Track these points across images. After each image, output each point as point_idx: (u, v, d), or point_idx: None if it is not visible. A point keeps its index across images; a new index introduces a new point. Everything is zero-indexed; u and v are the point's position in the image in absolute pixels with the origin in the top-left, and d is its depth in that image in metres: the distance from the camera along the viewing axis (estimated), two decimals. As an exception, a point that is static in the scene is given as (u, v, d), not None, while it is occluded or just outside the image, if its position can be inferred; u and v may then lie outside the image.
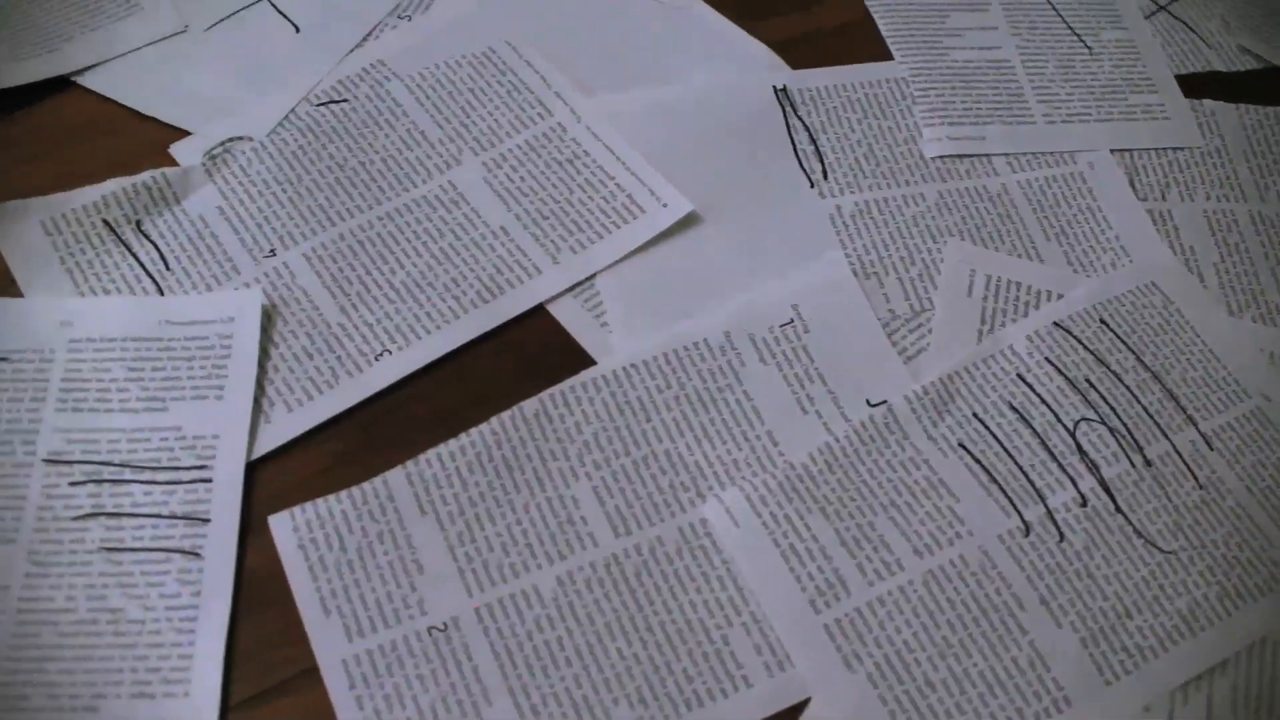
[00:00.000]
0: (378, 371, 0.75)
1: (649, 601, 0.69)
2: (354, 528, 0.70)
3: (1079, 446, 0.74)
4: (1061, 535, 0.71)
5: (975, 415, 0.75)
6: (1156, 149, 0.89)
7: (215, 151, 0.82)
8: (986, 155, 0.87)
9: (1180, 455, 0.74)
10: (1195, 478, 0.73)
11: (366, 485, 0.71)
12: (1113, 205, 0.85)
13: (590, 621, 0.68)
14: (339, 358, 0.75)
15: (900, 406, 0.75)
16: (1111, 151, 0.88)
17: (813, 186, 0.84)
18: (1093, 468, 0.73)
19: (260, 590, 0.68)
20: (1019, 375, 0.77)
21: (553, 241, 0.79)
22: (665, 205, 0.81)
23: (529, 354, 0.77)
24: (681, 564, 0.70)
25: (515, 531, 0.70)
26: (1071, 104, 0.90)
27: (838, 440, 0.74)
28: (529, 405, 0.74)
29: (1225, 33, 0.95)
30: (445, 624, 0.67)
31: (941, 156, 0.86)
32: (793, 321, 0.77)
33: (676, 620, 0.68)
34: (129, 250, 0.78)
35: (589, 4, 0.92)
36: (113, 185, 0.80)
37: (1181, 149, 0.88)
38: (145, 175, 0.80)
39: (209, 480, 0.71)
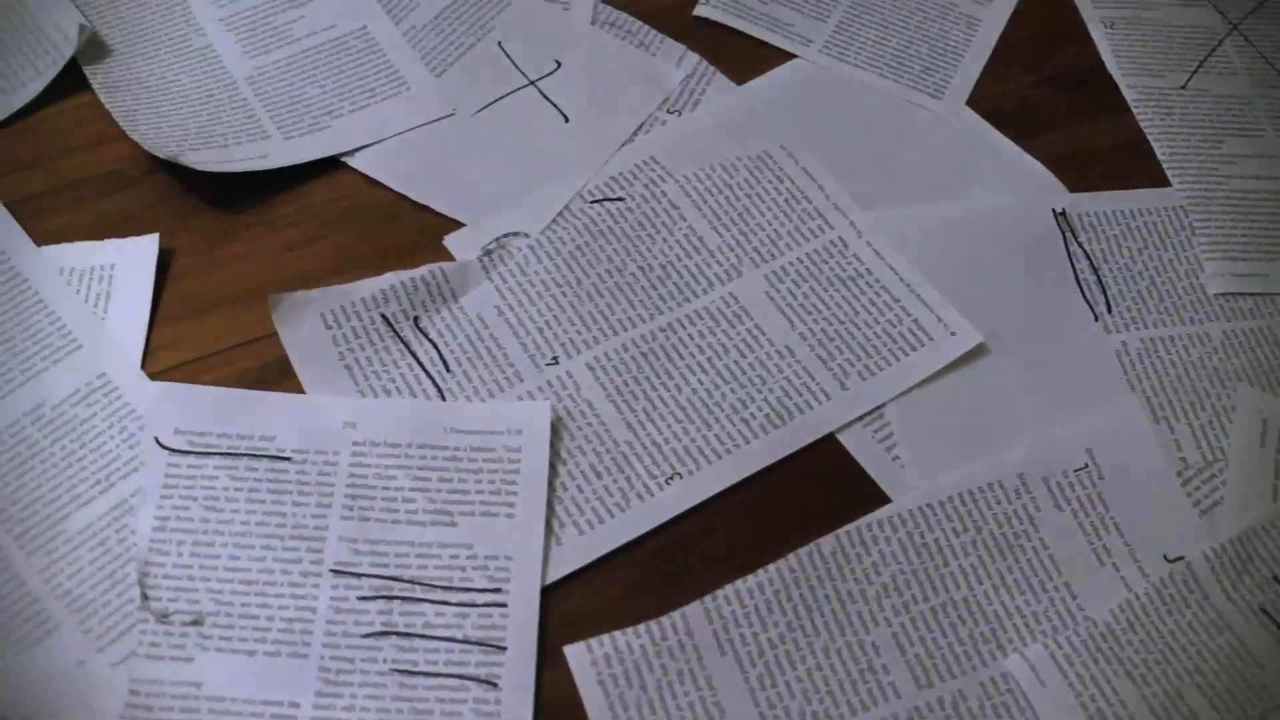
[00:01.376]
0: (669, 496, 0.72)
1: (954, 762, 0.66)
2: (653, 664, 0.67)
3: (1385, 619, 0.71)
4: (1374, 717, 0.68)
5: (1275, 578, 0.73)
6: None
7: (491, 247, 0.80)
8: (1270, 294, 0.84)
9: None
10: None
11: (665, 620, 0.69)
12: (1401, 354, 0.82)
13: (896, 781, 0.65)
14: (628, 479, 0.73)
15: (1199, 564, 0.72)
16: (1396, 296, 0.85)
17: (1097, 320, 0.81)
18: (1402, 645, 0.71)
19: (558, 725, 0.66)
20: (1318, 537, 0.74)
21: (840, 366, 0.77)
22: (954, 334, 0.78)
23: (820, 484, 0.74)
24: (986, 723, 0.67)
25: (816, 677, 0.68)
26: (1354, 243, 0.87)
27: (1138, 598, 0.71)
28: (826, 543, 0.71)
29: None
30: (749, 774, 0.65)
31: (1225, 294, 0.83)
32: (1087, 466, 0.75)
33: (983, 784, 0.66)
34: (408, 349, 0.76)
35: (856, 108, 0.90)
36: (391, 279, 0.78)
37: None
38: (423, 270, 0.78)
39: (504, 605, 0.69)
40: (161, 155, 0.80)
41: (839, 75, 0.91)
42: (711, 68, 0.90)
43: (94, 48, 0.89)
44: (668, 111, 0.88)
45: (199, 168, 0.80)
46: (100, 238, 0.81)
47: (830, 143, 0.87)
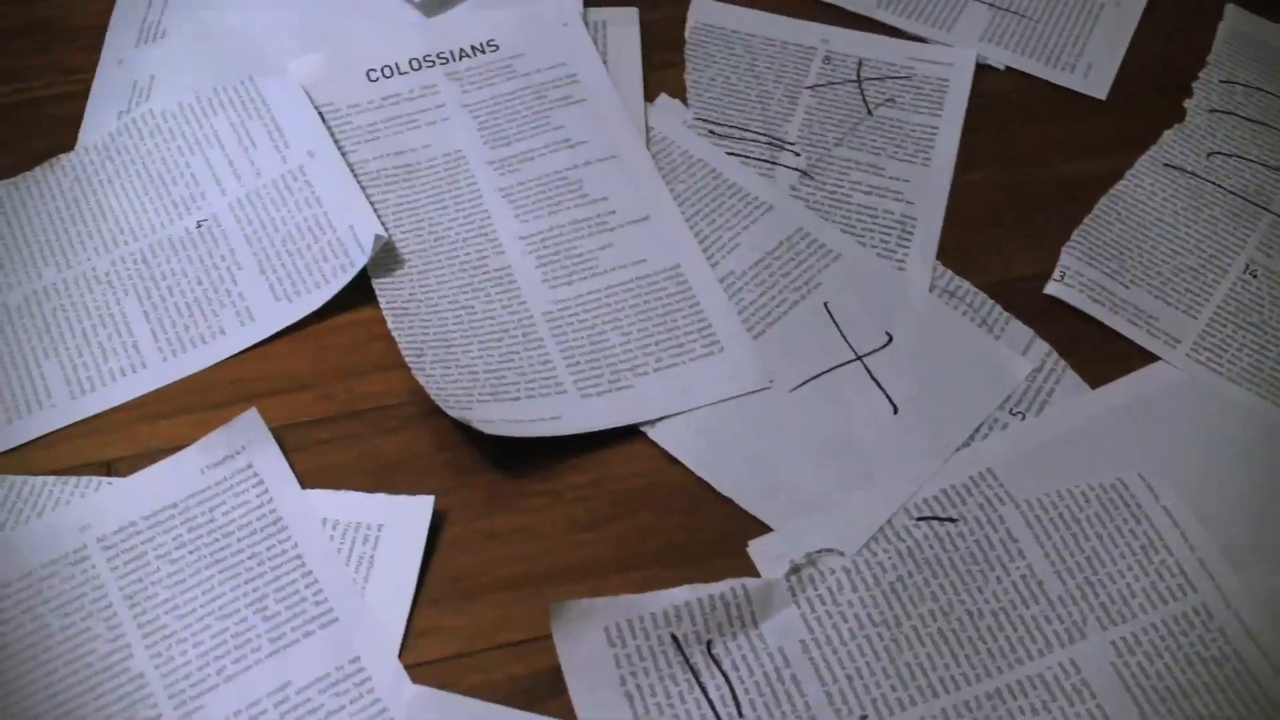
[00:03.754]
0: None
1: None
2: None
3: None
4: None
5: None
6: None
7: (800, 564, 0.69)
8: None
9: None
10: None
11: None
12: None
13: None
14: None
15: None
16: None
17: None
18: None
19: None
20: None
21: (1197, 775, 0.64)
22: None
23: None
24: None
25: None
26: None
27: None
28: None
29: None
30: None
31: None
32: None
33: None
34: (697, 679, 0.66)
35: (1226, 433, 0.78)
36: (686, 594, 0.68)
37: None
38: (723, 586, 0.69)
39: None
40: (450, 413, 0.71)
41: (1208, 389, 0.79)
42: (1062, 361, 0.79)
43: (386, 257, 0.81)
44: (1010, 413, 0.76)
45: (487, 430, 0.71)
46: (370, 486, 0.73)
47: (1194, 474, 0.75)
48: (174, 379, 0.79)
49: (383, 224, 0.82)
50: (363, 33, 0.94)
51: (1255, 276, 0.84)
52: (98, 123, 0.90)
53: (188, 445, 0.75)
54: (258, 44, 0.94)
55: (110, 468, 0.75)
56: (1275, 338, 0.82)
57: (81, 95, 0.93)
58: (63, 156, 0.88)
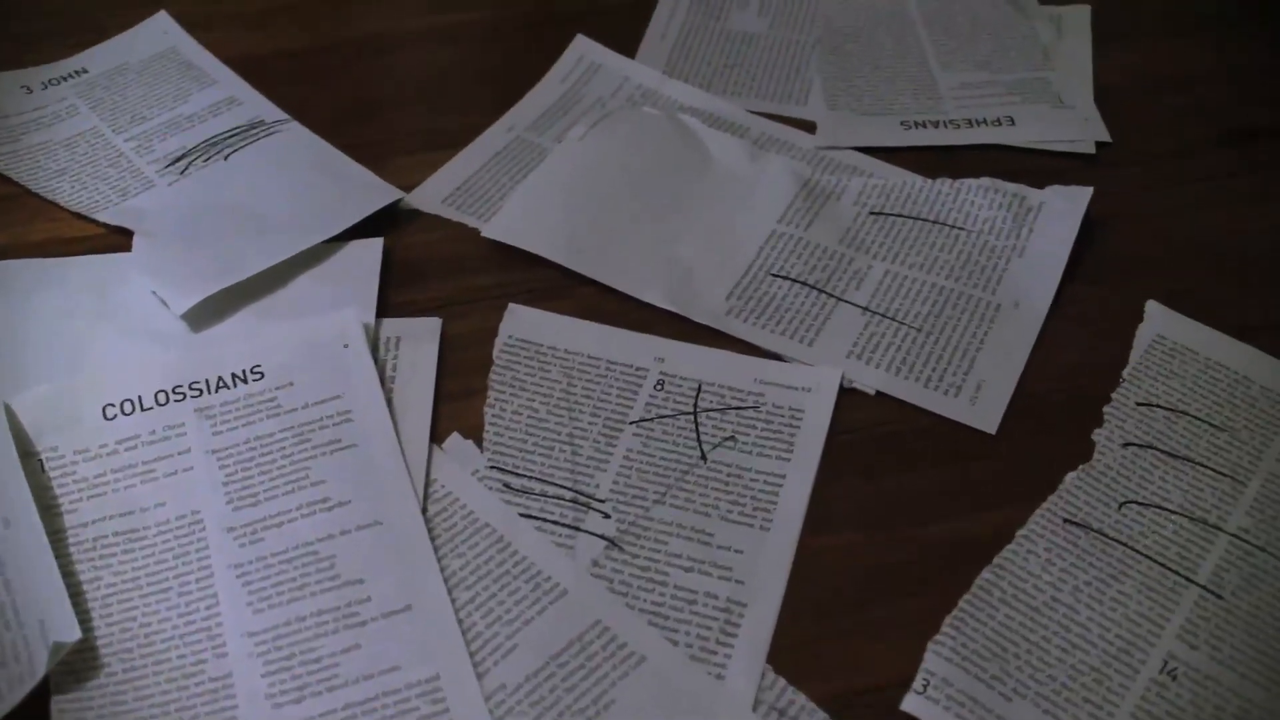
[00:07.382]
0: None
1: None
2: None
3: None
4: None
5: None
6: None
7: None
8: None
9: None
10: None
11: None
12: None
13: None
14: None
15: None
16: None
17: None
18: None
19: None
20: None
21: None
22: None
23: None
24: None
25: None
26: None
27: None
28: None
29: None
30: None
31: None
32: None
33: None
34: None
35: None
36: None
37: None
38: None
39: None
40: None
41: None
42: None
43: (80, 662, 0.65)
44: None
45: None
46: None
47: None
48: None
49: (84, 618, 0.66)
50: (114, 351, 0.78)
51: (1175, 678, 0.66)
52: None
53: None
54: (-12, 370, 0.78)
55: None
56: (1196, 773, 0.62)
57: None
58: None
